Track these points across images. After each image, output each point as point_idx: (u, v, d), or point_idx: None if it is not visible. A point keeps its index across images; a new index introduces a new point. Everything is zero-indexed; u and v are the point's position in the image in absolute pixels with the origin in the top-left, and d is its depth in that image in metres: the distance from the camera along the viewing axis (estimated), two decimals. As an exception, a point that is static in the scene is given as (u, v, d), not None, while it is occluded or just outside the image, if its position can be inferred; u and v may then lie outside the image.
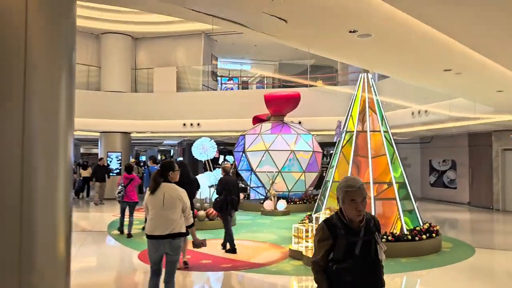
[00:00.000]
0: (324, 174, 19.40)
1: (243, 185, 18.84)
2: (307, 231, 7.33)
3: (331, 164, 8.94)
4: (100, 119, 17.27)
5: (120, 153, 18.09)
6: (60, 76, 3.19)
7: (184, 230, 4.46)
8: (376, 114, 8.61)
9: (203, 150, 10.53)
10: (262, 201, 14.02)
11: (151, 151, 32.77)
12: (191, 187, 6.80)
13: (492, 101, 8.25)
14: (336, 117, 16.44)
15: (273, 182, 13.35)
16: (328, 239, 2.64)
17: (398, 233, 7.58)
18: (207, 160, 10.99)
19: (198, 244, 4.54)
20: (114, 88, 17.95)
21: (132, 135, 18.80)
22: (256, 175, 14.71)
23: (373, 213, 7.79)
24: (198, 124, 17.19)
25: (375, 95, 8.71)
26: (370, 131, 8.43)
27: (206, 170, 11.21)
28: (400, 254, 7.37)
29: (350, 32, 4.71)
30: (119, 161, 17.86)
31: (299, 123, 15.62)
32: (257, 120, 15.83)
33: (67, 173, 3.22)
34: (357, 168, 8.37)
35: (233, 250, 7.57)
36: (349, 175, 8.20)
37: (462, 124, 11.68)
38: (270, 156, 13.90)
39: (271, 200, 13.16)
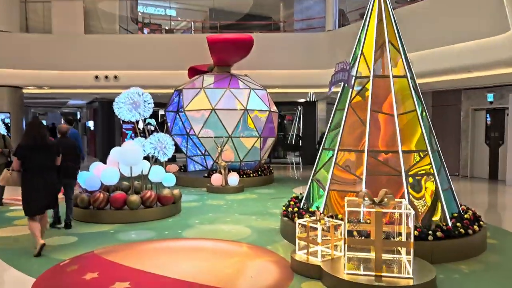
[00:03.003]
0: (279, 139, 16.83)
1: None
2: (322, 230, 4.56)
3: (331, 125, 6.18)
4: (-25, 68, 12.69)
5: (8, 114, 13.65)
6: None
7: None
8: (399, 52, 5.95)
9: (134, 107, 7.13)
10: (205, 175, 11.01)
11: (52, 114, 27.37)
12: (48, 153, 5.35)
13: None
14: (290, 71, 13.89)
15: (221, 150, 10.34)
16: None
17: (447, 225, 5.16)
18: (138, 121, 7.60)
19: None
20: (-5, 25, 13.23)
21: (24, 91, 14.35)
22: (194, 141, 11.56)
23: (406, 195, 5.27)
24: (115, 77, 13.41)
25: (395, 25, 6.03)
26: (393, 77, 5.78)
27: (137, 135, 7.83)
28: (452, 257, 4.99)
29: None
30: (8, 126, 13.42)
31: (246, 76, 12.59)
32: (195, 72, 12.51)
33: None
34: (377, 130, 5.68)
35: (55, 223, 6.53)
36: (366, 139, 5.53)
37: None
38: (218, 117, 10.80)
39: (220, 173, 10.18)
